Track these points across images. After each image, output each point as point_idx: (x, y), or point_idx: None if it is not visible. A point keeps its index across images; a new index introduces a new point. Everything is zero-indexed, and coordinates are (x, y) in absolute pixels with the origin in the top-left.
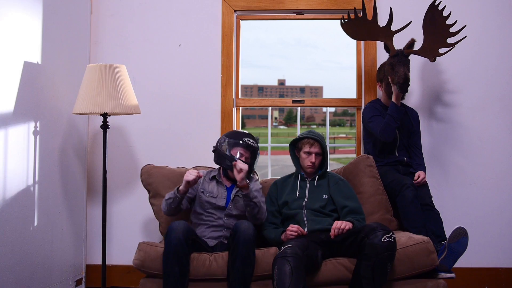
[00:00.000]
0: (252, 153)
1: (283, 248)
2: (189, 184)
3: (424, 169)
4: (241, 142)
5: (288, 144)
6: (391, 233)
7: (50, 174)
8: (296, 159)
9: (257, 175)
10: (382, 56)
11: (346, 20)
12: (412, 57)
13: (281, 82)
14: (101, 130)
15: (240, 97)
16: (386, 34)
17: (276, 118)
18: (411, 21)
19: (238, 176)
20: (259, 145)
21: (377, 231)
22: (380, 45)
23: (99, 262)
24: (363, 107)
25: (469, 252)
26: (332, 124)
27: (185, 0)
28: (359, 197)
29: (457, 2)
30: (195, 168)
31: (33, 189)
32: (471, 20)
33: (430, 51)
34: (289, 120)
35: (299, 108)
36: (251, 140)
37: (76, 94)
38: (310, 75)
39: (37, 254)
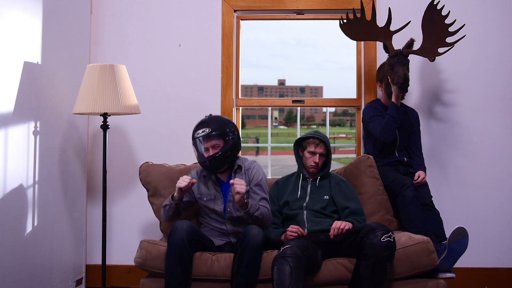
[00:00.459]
0: (215, 138)
1: (282, 248)
2: (182, 191)
3: (424, 169)
4: (196, 138)
5: (288, 144)
6: (391, 233)
7: (50, 174)
8: (299, 158)
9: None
10: (382, 56)
11: (345, 21)
12: (411, 57)
13: (281, 82)
14: (101, 130)
15: (240, 97)
16: (385, 34)
17: (276, 118)
18: (410, 21)
19: (235, 196)
20: (259, 145)
21: (377, 231)
22: (380, 45)
23: (99, 262)
24: (363, 107)
25: (469, 252)
26: (332, 124)
27: (185, 0)
28: (360, 198)
29: (456, 1)
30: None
31: (33, 189)
32: (470, 19)
33: (430, 50)
34: (289, 120)
35: (299, 108)
36: (201, 131)
37: (76, 94)
38: (310, 75)
39: (37, 254)
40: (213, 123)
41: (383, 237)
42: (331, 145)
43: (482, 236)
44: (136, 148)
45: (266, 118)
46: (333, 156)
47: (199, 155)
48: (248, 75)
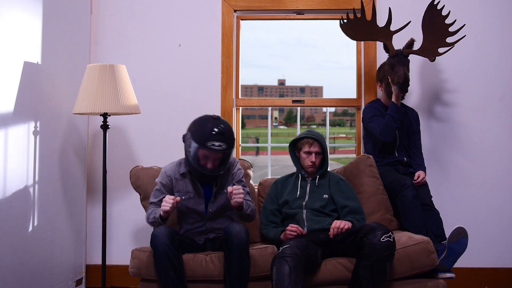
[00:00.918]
0: (223, 155)
1: (281, 248)
2: (169, 212)
3: (424, 169)
4: (208, 146)
5: (288, 144)
6: (390, 232)
7: (50, 174)
8: (296, 159)
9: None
10: (382, 56)
11: (345, 21)
12: (411, 57)
13: (281, 82)
14: (101, 130)
15: (240, 97)
16: (386, 34)
17: (276, 118)
18: (410, 21)
19: (233, 204)
20: (259, 145)
21: (376, 230)
22: (380, 45)
23: (99, 262)
24: (363, 107)
25: (469, 252)
26: (332, 124)
27: (185, 0)
28: (360, 197)
29: (456, 1)
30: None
31: (33, 189)
32: (471, 19)
33: (430, 50)
34: (289, 120)
35: (299, 108)
36: (217, 144)
37: (76, 94)
38: (310, 75)
39: (37, 254)
40: (228, 139)
41: (383, 237)
42: (331, 145)
43: (482, 236)
44: (136, 148)
45: (266, 118)
46: (333, 156)
47: (196, 161)
48: (248, 75)
